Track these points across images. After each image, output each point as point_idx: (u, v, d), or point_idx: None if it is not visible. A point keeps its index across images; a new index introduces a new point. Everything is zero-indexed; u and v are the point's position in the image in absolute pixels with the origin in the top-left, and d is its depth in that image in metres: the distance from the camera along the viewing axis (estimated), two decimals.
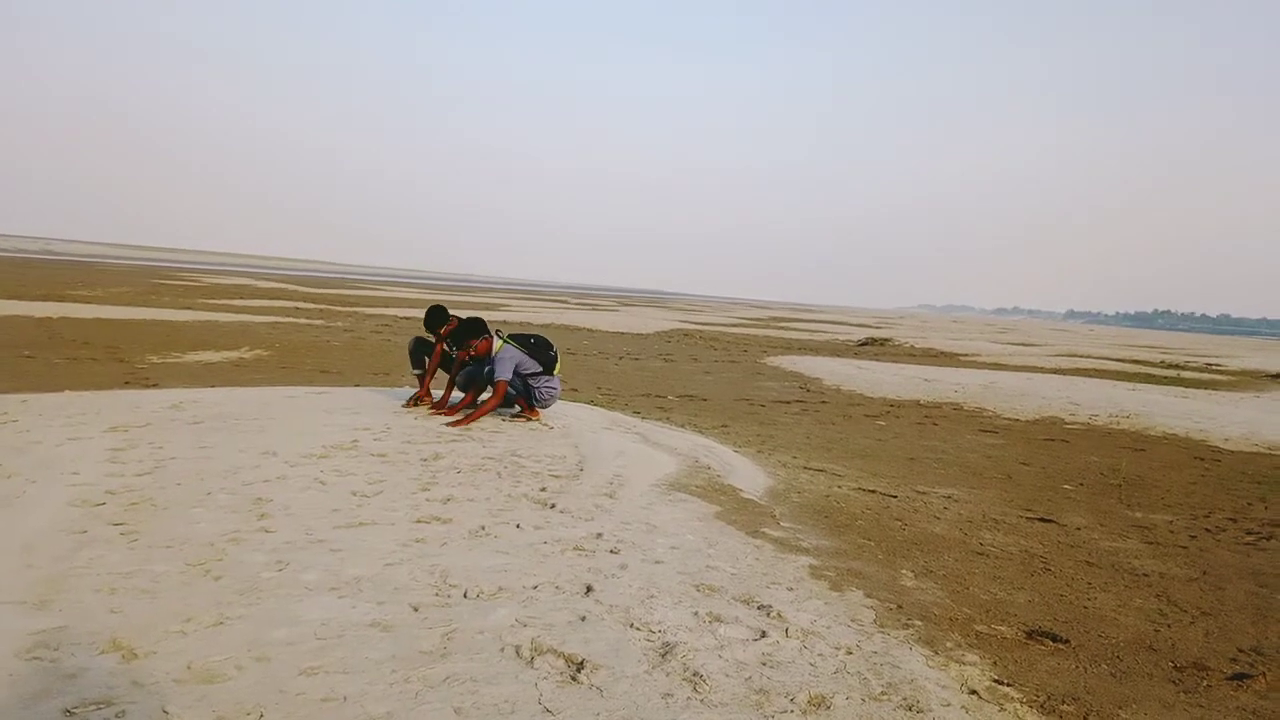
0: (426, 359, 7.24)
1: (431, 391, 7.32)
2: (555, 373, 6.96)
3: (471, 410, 6.72)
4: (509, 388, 6.82)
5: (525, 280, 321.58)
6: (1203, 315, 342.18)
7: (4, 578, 3.00)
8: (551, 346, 6.96)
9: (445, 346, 7.16)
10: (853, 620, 3.31)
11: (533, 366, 6.80)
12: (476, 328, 6.78)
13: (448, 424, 6.43)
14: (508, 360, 6.67)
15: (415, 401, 7.10)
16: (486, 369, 6.79)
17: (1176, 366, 25.63)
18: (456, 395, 7.18)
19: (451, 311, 7.28)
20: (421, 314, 7.44)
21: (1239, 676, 3.24)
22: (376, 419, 6.39)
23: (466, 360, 6.93)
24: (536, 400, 6.90)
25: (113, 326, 15.06)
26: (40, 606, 2.78)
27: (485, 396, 7.02)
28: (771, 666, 2.77)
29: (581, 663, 2.65)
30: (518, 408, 7.04)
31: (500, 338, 6.82)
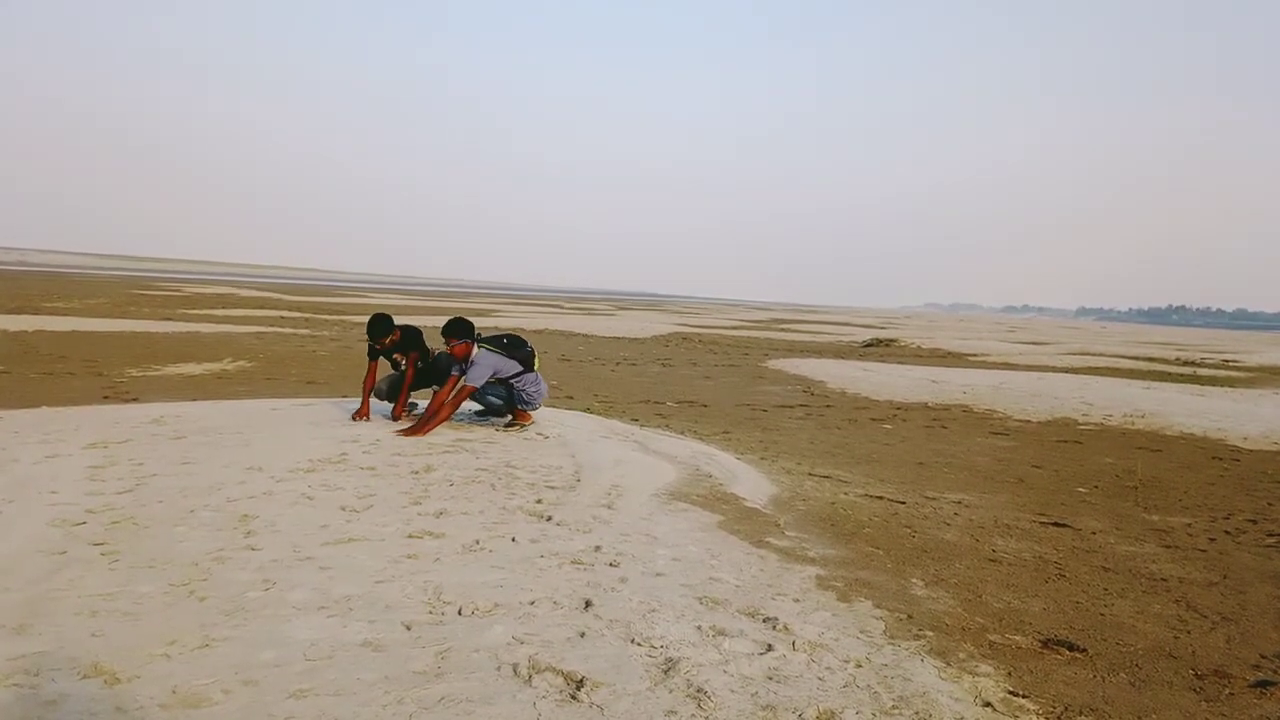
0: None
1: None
2: (535, 369, 6.81)
3: (431, 418, 6.46)
4: (494, 398, 6.70)
5: (519, 285, 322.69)
6: (1219, 310, 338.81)
7: None
8: (525, 343, 6.80)
9: (400, 357, 6.92)
10: (862, 632, 3.24)
11: (513, 368, 6.64)
12: (464, 327, 6.56)
13: (398, 431, 6.27)
14: (484, 366, 6.46)
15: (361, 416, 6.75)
16: (456, 370, 6.56)
17: (1192, 363, 25.51)
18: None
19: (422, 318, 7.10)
20: (409, 322, 7.29)
21: (1262, 684, 3.17)
22: (365, 431, 6.28)
23: (416, 364, 6.79)
24: (526, 402, 6.76)
25: (90, 339, 15.01)
26: (19, 630, 2.71)
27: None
28: (778, 681, 2.71)
29: (581, 680, 2.59)
30: (510, 417, 6.92)
31: (478, 343, 6.65)
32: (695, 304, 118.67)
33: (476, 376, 6.43)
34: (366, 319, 7.25)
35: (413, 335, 6.88)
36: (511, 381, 6.69)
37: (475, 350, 6.55)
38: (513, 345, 6.72)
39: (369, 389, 6.84)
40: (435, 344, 7.15)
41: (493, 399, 6.74)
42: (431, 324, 21.56)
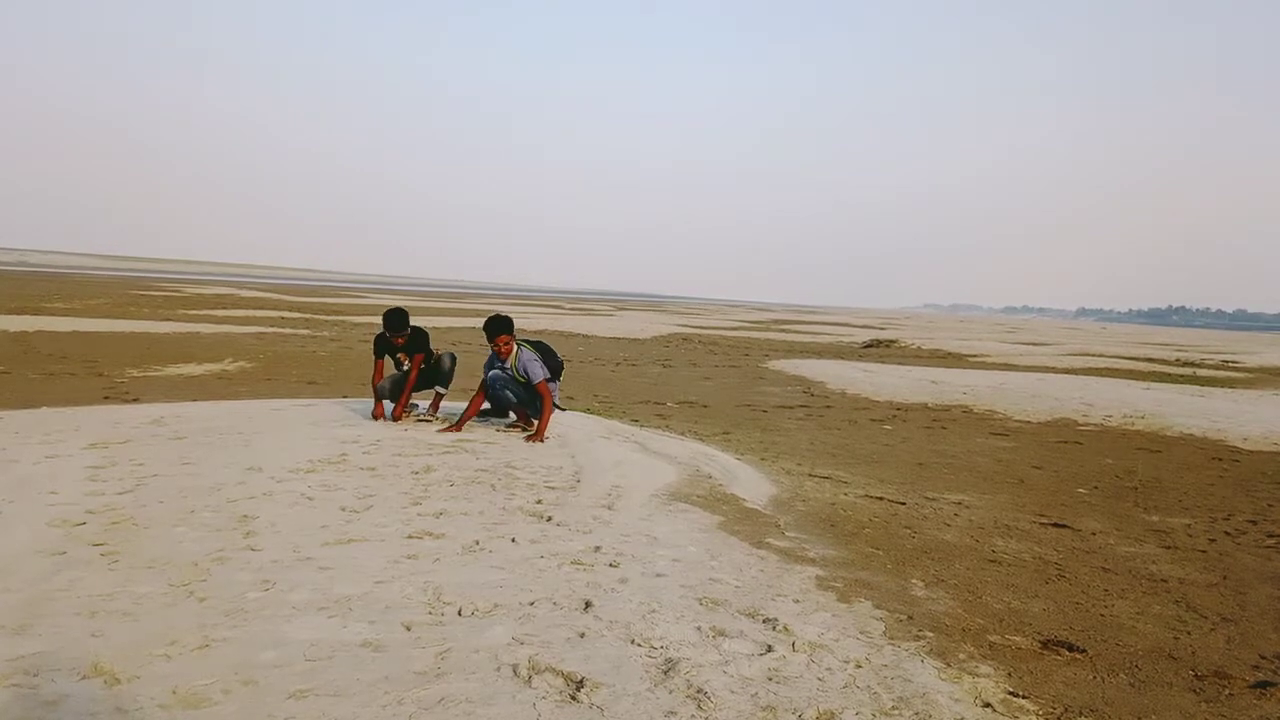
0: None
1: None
2: (557, 381, 6.86)
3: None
4: (510, 393, 6.71)
5: (518, 285, 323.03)
6: (1219, 311, 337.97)
7: None
8: (557, 355, 6.85)
9: (404, 357, 6.96)
10: (862, 632, 3.23)
11: (545, 374, 6.69)
12: (509, 322, 6.67)
13: (527, 438, 6.34)
14: (536, 362, 6.54)
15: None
16: (504, 371, 6.63)
17: (1192, 364, 25.50)
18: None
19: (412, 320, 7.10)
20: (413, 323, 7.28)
21: (1262, 685, 3.17)
22: (365, 431, 6.29)
23: (420, 366, 6.85)
24: (539, 410, 6.78)
25: (91, 340, 15.01)
26: (19, 631, 2.71)
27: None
28: (778, 682, 2.71)
29: (581, 681, 2.59)
30: (513, 416, 6.92)
31: (517, 341, 6.69)
32: (695, 304, 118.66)
33: (540, 373, 6.52)
34: (365, 319, 7.27)
35: (420, 336, 6.93)
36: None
37: (516, 349, 6.60)
38: (547, 354, 6.76)
39: (377, 390, 6.90)
40: (437, 345, 7.18)
41: (509, 394, 6.73)
42: (433, 324, 21.47)
